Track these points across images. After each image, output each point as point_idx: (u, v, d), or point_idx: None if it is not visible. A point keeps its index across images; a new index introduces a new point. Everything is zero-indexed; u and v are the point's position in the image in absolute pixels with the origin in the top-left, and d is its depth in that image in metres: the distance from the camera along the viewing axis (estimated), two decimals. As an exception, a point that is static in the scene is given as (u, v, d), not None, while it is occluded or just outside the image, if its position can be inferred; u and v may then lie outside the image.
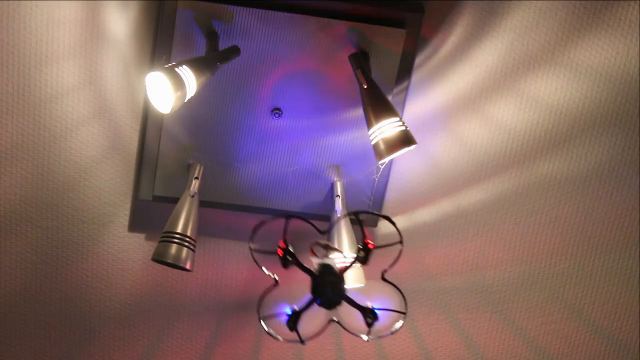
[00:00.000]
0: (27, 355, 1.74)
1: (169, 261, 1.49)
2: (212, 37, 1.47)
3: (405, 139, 1.41)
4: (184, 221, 1.51)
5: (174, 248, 1.49)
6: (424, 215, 1.70)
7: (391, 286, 1.40)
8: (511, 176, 1.67)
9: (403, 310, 1.40)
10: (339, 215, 1.58)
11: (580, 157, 1.66)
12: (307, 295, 1.35)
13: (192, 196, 1.54)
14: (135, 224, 1.66)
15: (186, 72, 1.35)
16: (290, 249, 1.35)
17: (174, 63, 1.35)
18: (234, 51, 1.47)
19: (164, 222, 1.53)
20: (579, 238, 1.72)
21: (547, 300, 1.78)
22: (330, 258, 1.35)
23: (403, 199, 1.68)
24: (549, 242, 1.73)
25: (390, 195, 1.67)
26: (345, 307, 1.36)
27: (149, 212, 1.65)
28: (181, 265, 1.49)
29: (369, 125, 1.44)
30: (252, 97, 1.54)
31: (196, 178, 1.56)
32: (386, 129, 1.41)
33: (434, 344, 1.81)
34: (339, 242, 1.55)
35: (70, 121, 1.57)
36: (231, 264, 1.71)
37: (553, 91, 1.61)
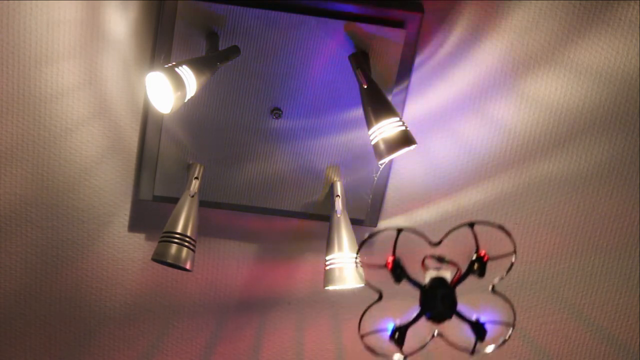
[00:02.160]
0: (27, 355, 1.74)
1: (169, 261, 1.49)
2: (212, 37, 1.47)
3: (405, 139, 1.41)
4: (184, 221, 1.51)
5: (174, 248, 1.49)
6: (424, 215, 1.70)
7: (498, 298, 1.36)
8: (511, 176, 1.67)
9: (511, 322, 1.35)
10: (338, 215, 1.57)
11: (580, 157, 1.66)
12: (413, 309, 1.31)
13: (192, 196, 1.54)
14: (135, 224, 1.66)
15: (186, 72, 1.35)
16: (400, 262, 1.32)
17: (174, 63, 1.35)
18: (234, 51, 1.47)
19: (164, 222, 1.52)
20: (579, 238, 1.72)
21: (547, 300, 1.77)
22: (444, 271, 1.31)
23: (403, 199, 1.68)
24: (549, 242, 1.73)
25: (390, 195, 1.67)
26: (449, 321, 1.32)
27: (149, 212, 1.65)
28: (181, 265, 1.49)
29: (369, 125, 1.43)
30: (252, 97, 1.54)
31: (196, 178, 1.56)
32: (386, 129, 1.41)
33: (434, 343, 1.80)
34: (339, 242, 1.55)
35: (70, 121, 1.57)
36: (231, 264, 1.71)
37: (553, 91, 1.61)
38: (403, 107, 1.58)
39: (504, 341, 1.34)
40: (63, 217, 1.64)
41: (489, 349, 1.33)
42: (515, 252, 1.32)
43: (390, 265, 1.31)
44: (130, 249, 1.68)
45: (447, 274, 1.30)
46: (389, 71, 1.53)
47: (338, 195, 1.59)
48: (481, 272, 1.30)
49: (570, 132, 1.64)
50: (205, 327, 1.76)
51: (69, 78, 1.54)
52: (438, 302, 1.29)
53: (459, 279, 1.29)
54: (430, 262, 1.31)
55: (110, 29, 1.51)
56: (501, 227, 1.31)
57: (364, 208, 1.64)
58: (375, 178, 1.61)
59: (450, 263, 1.31)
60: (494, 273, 1.32)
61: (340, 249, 1.54)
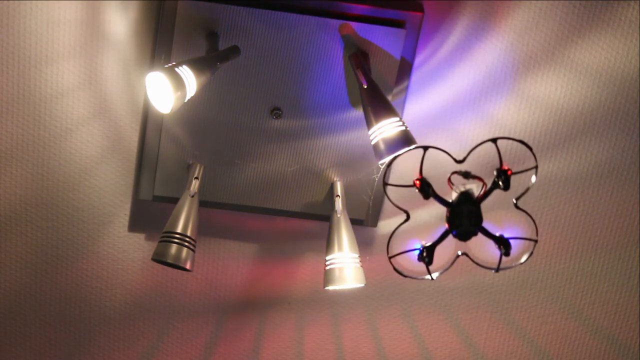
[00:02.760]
0: (27, 355, 1.74)
1: (169, 261, 1.49)
2: (212, 37, 1.47)
3: (405, 139, 1.41)
4: (184, 221, 1.51)
5: (174, 248, 1.49)
6: (424, 215, 1.69)
7: (522, 213, 1.36)
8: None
9: (535, 238, 1.37)
10: (338, 215, 1.57)
11: (580, 157, 1.66)
12: (440, 228, 1.34)
13: (192, 196, 1.54)
14: (135, 224, 1.66)
15: (186, 72, 1.35)
16: (427, 180, 1.35)
17: (174, 63, 1.35)
18: (234, 51, 1.47)
19: (164, 222, 1.52)
20: (579, 238, 1.72)
21: (547, 300, 1.78)
22: (471, 185, 1.33)
23: (403, 199, 1.67)
24: (549, 242, 1.73)
25: (390, 195, 1.66)
26: (473, 239, 1.34)
27: (149, 212, 1.65)
28: (181, 265, 1.49)
29: (369, 125, 1.44)
30: (252, 97, 1.54)
31: (196, 178, 1.56)
32: (386, 129, 1.41)
33: (434, 344, 1.81)
34: (339, 242, 1.55)
35: (70, 121, 1.57)
36: (231, 264, 1.71)
37: (553, 91, 1.61)
38: (403, 107, 1.58)
39: (530, 254, 1.36)
40: (63, 217, 1.64)
41: (522, 259, 1.36)
42: (537, 167, 1.33)
43: (418, 184, 1.33)
44: (130, 249, 1.68)
45: (474, 188, 1.31)
46: (389, 71, 1.53)
47: (338, 195, 1.59)
48: (506, 186, 1.30)
49: (570, 132, 1.64)
50: (205, 327, 1.76)
51: (69, 78, 1.54)
52: (464, 218, 1.31)
53: (485, 194, 1.31)
54: (456, 179, 1.32)
55: (110, 29, 1.51)
56: (522, 142, 1.32)
57: (364, 208, 1.64)
58: (376, 178, 1.61)
59: (476, 178, 1.32)
60: (516, 190, 1.33)
61: (340, 249, 1.54)
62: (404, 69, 1.53)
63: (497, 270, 1.34)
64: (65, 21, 1.50)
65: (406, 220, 1.37)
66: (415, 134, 1.43)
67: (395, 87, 1.54)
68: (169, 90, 1.32)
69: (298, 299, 1.76)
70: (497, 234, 1.33)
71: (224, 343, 1.78)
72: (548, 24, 1.56)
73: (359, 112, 1.51)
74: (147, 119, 1.55)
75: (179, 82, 1.33)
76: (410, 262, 1.36)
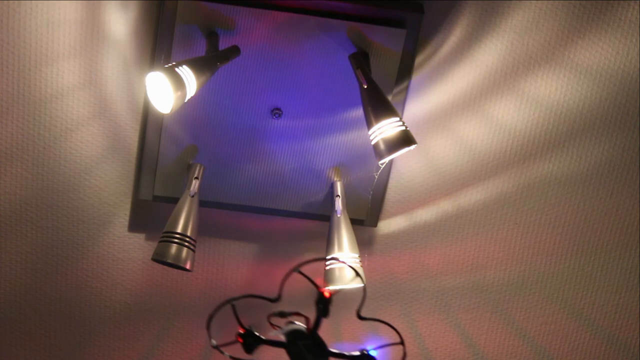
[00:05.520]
0: (27, 355, 1.74)
1: (169, 261, 1.49)
2: (212, 37, 1.47)
3: (405, 139, 1.41)
4: (184, 221, 1.51)
5: (174, 248, 1.49)
6: (424, 215, 1.70)
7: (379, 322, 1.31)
8: (511, 176, 1.67)
9: (398, 341, 1.30)
10: (338, 215, 1.58)
11: (580, 157, 1.66)
12: None
13: (192, 196, 1.54)
14: (135, 224, 1.66)
15: (186, 72, 1.35)
16: (253, 330, 1.26)
17: (174, 63, 1.35)
18: (234, 51, 1.47)
19: (164, 222, 1.53)
20: (579, 238, 1.72)
21: (547, 300, 1.78)
22: (294, 322, 1.25)
23: (403, 199, 1.68)
24: (549, 242, 1.73)
25: (390, 195, 1.67)
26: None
27: (149, 212, 1.65)
28: (181, 265, 1.50)
29: (369, 125, 1.44)
30: (252, 97, 1.54)
31: (196, 178, 1.56)
32: (386, 129, 1.41)
33: (434, 344, 1.81)
34: (339, 242, 1.55)
35: (70, 121, 1.57)
36: (231, 264, 1.71)
37: (553, 91, 1.61)
38: (403, 107, 1.58)
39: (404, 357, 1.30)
40: (63, 217, 1.64)
41: None
42: (362, 279, 1.31)
43: (240, 339, 1.26)
44: (130, 249, 1.68)
45: (299, 325, 1.25)
46: (389, 71, 1.53)
47: (338, 195, 1.59)
48: (325, 312, 1.23)
49: (570, 132, 1.64)
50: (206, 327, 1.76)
51: (69, 78, 1.54)
52: (305, 354, 1.22)
53: (314, 324, 1.23)
54: (277, 320, 1.25)
55: (110, 29, 1.51)
56: (326, 259, 1.27)
57: (364, 208, 1.64)
58: (376, 176, 1.61)
59: (294, 314, 1.26)
60: (355, 299, 1.28)
61: (340, 249, 1.54)
62: (404, 69, 1.53)
63: None
64: (65, 21, 1.50)
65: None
66: (415, 134, 1.43)
67: (395, 87, 1.54)
68: (169, 90, 1.32)
69: (298, 299, 1.75)
70: (359, 350, 1.27)
71: (224, 343, 1.78)
72: (548, 24, 1.56)
73: (359, 112, 1.51)
74: (147, 119, 1.55)
75: (179, 82, 1.33)
76: None
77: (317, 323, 1.23)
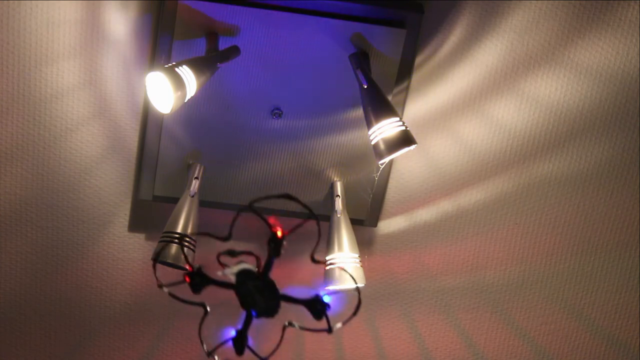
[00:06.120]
0: (27, 355, 1.74)
1: (169, 261, 1.49)
2: (212, 37, 1.47)
3: (405, 139, 1.41)
4: (184, 221, 1.51)
5: (174, 248, 1.49)
6: (424, 215, 1.70)
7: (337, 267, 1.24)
8: (511, 176, 1.67)
9: (355, 286, 1.23)
10: (338, 215, 1.58)
11: (580, 157, 1.66)
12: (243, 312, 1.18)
13: (192, 196, 1.54)
14: (135, 224, 1.66)
15: (186, 72, 1.35)
16: (202, 269, 1.19)
17: (174, 63, 1.35)
18: (234, 51, 1.47)
19: (164, 222, 1.53)
20: (579, 238, 1.72)
21: (547, 300, 1.78)
22: (244, 262, 1.18)
23: (403, 199, 1.68)
24: (549, 242, 1.73)
25: (390, 195, 1.67)
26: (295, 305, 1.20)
27: (149, 212, 1.65)
28: (181, 265, 1.49)
29: (369, 125, 1.44)
30: (252, 97, 1.54)
31: (196, 178, 1.56)
32: (386, 129, 1.41)
33: (434, 344, 1.81)
34: (339, 242, 1.55)
35: (70, 121, 1.57)
36: (231, 264, 1.71)
37: (553, 91, 1.61)
38: (403, 107, 1.58)
39: (357, 309, 1.22)
40: (63, 217, 1.64)
41: (339, 324, 1.20)
42: (313, 215, 1.17)
43: (187, 278, 1.18)
44: (130, 249, 1.68)
45: (248, 265, 1.17)
46: (389, 71, 1.53)
47: (338, 195, 1.59)
48: (276, 251, 1.15)
49: (570, 132, 1.64)
50: (205, 327, 1.76)
51: (69, 78, 1.54)
52: (255, 295, 1.16)
53: (265, 265, 1.15)
54: (227, 259, 1.17)
55: (110, 29, 1.51)
56: (287, 196, 1.17)
57: (364, 208, 1.64)
58: (376, 178, 1.61)
59: (245, 253, 1.17)
60: (311, 242, 1.20)
61: (340, 249, 1.54)
62: (404, 69, 1.53)
63: (330, 331, 1.20)
64: (65, 21, 1.50)
65: (205, 315, 1.23)
66: (415, 134, 1.43)
67: (395, 87, 1.54)
68: (169, 90, 1.32)
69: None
70: (313, 295, 1.19)
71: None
72: (548, 24, 1.56)
73: (359, 112, 1.51)
74: (147, 119, 1.55)
75: (179, 82, 1.33)
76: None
77: (269, 264, 1.16)
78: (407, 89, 1.56)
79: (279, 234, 1.15)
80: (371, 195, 1.63)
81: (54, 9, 1.49)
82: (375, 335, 1.80)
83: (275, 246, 1.16)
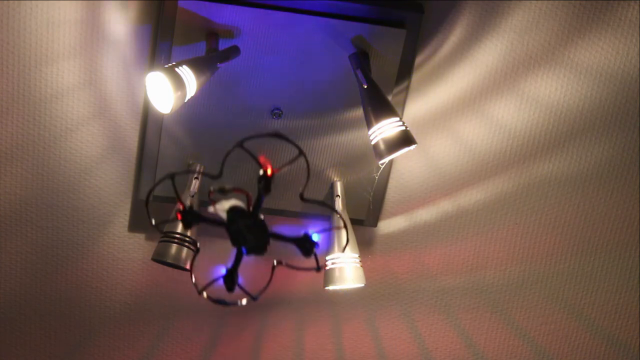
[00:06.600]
0: (27, 355, 1.74)
1: (169, 261, 1.49)
2: (212, 37, 1.47)
3: (405, 139, 1.41)
4: (184, 221, 1.51)
5: (174, 248, 1.49)
6: (424, 215, 1.70)
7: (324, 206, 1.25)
8: (511, 176, 1.67)
9: (341, 224, 1.25)
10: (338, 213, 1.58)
11: (580, 157, 1.66)
12: (233, 250, 1.20)
13: (192, 196, 1.54)
14: (135, 224, 1.66)
15: (186, 72, 1.35)
16: (193, 207, 1.21)
17: (174, 63, 1.35)
18: (234, 51, 1.47)
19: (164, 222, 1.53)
20: (579, 238, 1.72)
21: (547, 300, 1.78)
22: (235, 200, 1.19)
23: (403, 199, 1.68)
24: (549, 242, 1.73)
25: (390, 195, 1.67)
26: (284, 244, 1.22)
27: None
28: (181, 265, 1.49)
29: (369, 125, 1.44)
30: (252, 97, 1.54)
31: (196, 178, 1.56)
32: (386, 129, 1.41)
33: (434, 344, 1.81)
34: (339, 242, 1.55)
35: (70, 121, 1.57)
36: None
37: (553, 91, 1.61)
38: (403, 107, 1.58)
39: (347, 242, 1.25)
40: (63, 217, 1.64)
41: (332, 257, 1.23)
42: (301, 153, 1.20)
43: (179, 216, 1.19)
44: (130, 249, 1.68)
45: (239, 202, 1.18)
46: (389, 71, 1.53)
47: (338, 195, 1.59)
48: (266, 188, 1.17)
49: (570, 132, 1.64)
50: (205, 327, 1.76)
51: (69, 78, 1.54)
52: (245, 234, 1.18)
53: (255, 203, 1.17)
54: (218, 197, 1.18)
55: (110, 29, 1.51)
56: (275, 134, 1.19)
57: (364, 208, 1.64)
58: (376, 178, 1.61)
59: (235, 190, 1.18)
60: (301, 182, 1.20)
61: (340, 249, 1.54)
62: (404, 69, 1.53)
63: (318, 269, 1.22)
64: (65, 21, 1.50)
65: (196, 253, 1.23)
66: (415, 134, 1.43)
67: (395, 87, 1.54)
68: (169, 90, 1.32)
69: (298, 299, 1.76)
70: (302, 233, 1.21)
71: (224, 343, 1.78)
72: (548, 24, 1.56)
73: (359, 112, 1.51)
74: (147, 119, 1.55)
75: (179, 82, 1.33)
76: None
77: (259, 202, 1.18)
78: (407, 89, 1.56)
79: (269, 172, 1.17)
80: (371, 195, 1.63)
81: (54, 9, 1.49)
82: (375, 335, 1.80)
83: (265, 184, 1.17)
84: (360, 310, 1.78)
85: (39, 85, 1.54)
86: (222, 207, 1.17)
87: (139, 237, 1.67)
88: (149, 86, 1.36)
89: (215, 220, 1.18)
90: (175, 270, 1.52)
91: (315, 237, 1.19)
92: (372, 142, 1.44)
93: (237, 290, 1.21)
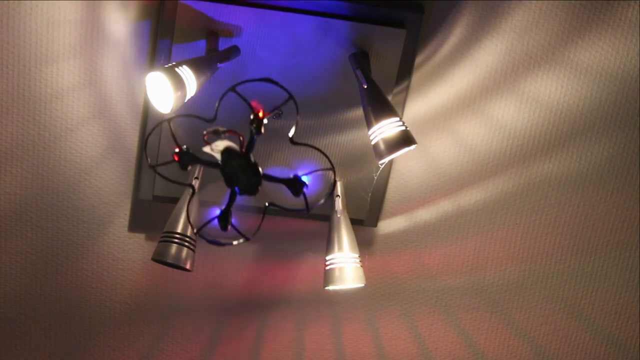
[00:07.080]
0: (27, 355, 1.74)
1: (169, 261, 1.49)
2: (212, 37, 1.47)
3: (405, 139, 1.41)
4: (184, 221, 1.51)
5: (174, 248, 1.49)
6: (424, 215, 1.70)
7: (313, 148, 1.28)
8: (511, 176, 1.67)
9: (329, 167, 1.27)
10: (338, 215, 1.58)
11: (580, 157, 1.66)
12: (227, 191, 1.25)
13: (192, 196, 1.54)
14: (135, 224, 1.66)
15: (186, 72, 1.35)
16: (189, 149, 1.26)
17: (174, 63, 1.35)
18: (234, 51, 1.47)
19: (164, 222, 1.53)
20: (579, 238, 1.72)
21: (547, 300, 1.78)
22: (228, 141, 1.24)
23: (403, 199, 1.68)
24: (549, 242, 1.73)
25: (390, 195, 1.67)
26: (276, 187, 1.26)
27: (149, 212, 1.65)
28: (181, 265, 1.50)
29: (369, 125, 1.44)
30: (252, 97, 1.54)
31: (196, 178, 1.56)
32: (386, 129, 1.41)
33: (434, 344, 1.81)
34: (339, 242, 1.55)
35: (70, 121, 1.57)
36: (231, 264, 1.71)
37: (553, 91, 1.61)
38: (403, 107, 1.58)
39: (333, 187, 1.33)
40: (63, 217, 1.64)
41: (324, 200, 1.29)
42: (291, 97, 1.25)
43: (176, 157, 1.25)
44: (130, 249, 1.68)
45: (232, 143, 1.23)
46: (389, 71, 1.53)
47: (338, 195, 1.59)
48: (257, 130, 1.21)
49: (570, 132, 1.64)
50: (205, 327, 1.76)
51: (69, 78, 1.54)
52: (240, 173, 1.23)
53: (248, 144, 1.22)
54: (212, 139, 1.24)
55: (110, 29, 1.51)
56: (266, 79, 1.23)
57: (364, 208, 1.64)
58: (375, 176, 1.61)
59: (228, 131, 1.24)
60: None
61: (340, 249, 1.54)
62: (404, 69, 1.53)
63: (307, 210, 1.26)
64: (65, 21, 1.50)
65: (192, 195, 1.32)
66: (415, 134, 1.43)
67: (395, 87, 1.54)
68: (169, 90, 1.32)
69: (298, 299, 1.76)
70: (291, 175, 1.25)
71: (224, 343, 1.78)
72: (548, 24, 1.56)
73: (359, 112, 1.51)
74: (147, 119, 1.55)
75: (179, 82, 1.33)
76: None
77: (251, 143, 1.22)
78: (407, 89, 1.56)
79: (260, 114, 1.22)
80: (371, 195, 1.63)
81: (54, 9, 1.49)
82: (375, 335, 1.80)
83: (257, 125, 1.22)
84: (360, 310, 1.78)
85: (39, 85, 1.54)
86: (217, 147, 1.22)
87: (139, 237, 1.67)
88: (149, 86, 1.36)
89: (210, 162, 1.23)
90: (175, 270, 1.53)
91: (305, 178, 1.24)
92: (372, 142, 1.44)
93: (231, 231, 1.27)
